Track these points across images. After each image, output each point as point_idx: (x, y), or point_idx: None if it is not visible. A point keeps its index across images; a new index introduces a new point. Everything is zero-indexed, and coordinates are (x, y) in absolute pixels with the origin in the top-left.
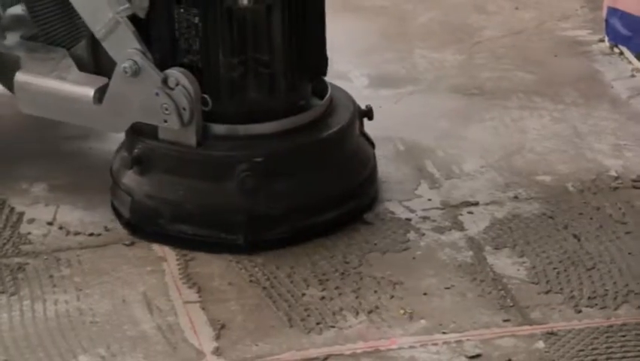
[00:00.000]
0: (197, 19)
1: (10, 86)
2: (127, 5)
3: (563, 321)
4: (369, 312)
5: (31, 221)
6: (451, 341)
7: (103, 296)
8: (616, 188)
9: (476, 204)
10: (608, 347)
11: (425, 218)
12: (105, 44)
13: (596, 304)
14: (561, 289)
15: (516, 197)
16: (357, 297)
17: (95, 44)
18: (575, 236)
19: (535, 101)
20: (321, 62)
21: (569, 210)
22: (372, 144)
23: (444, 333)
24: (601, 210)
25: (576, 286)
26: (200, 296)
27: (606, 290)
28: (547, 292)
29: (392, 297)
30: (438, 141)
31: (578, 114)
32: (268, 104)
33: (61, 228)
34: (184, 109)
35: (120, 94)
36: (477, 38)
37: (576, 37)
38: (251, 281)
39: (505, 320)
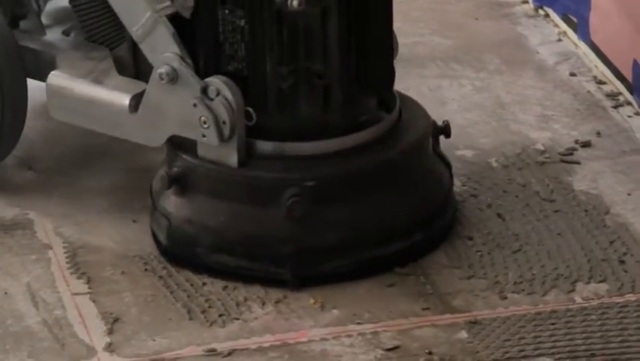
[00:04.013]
0: (243, 22)
1: None
2: (168, 3)
3: (487, 309)
4: (277, 302)
5: None
6: (366, 333)
7: None
8: (543, 163)
9: None
10: (535, 336)
11: None
12: (142, 46)
13: (523, 290)
14: (485, 274)
15: None
16: (263, 286)
17: (135, 45)
18: (499, 216)
19: (455, 68)
20: (385, 74)
21: (493, 187)
22: (449, 165)
23: (358, 324)
24: (527, 187)
25: (501, 270)
26: (90, 287)
27: (533, 274)
28: (469, 278)
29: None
30: None
31: (501, 83)
32: (322, 120)
33: None
34: (224, 123)
35: (156, 103)
36: None
37: None
38: (146, 270)
39: (424, 309)
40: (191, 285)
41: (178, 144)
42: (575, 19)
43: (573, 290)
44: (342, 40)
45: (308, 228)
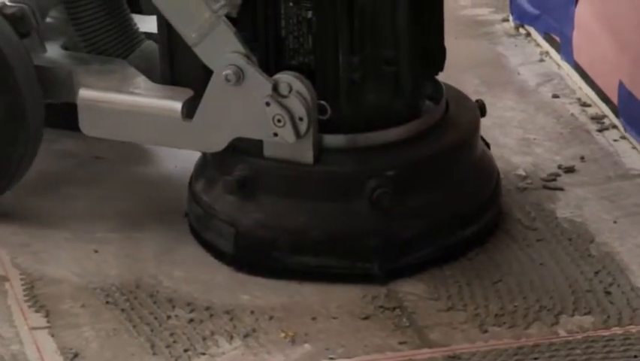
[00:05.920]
0: (310, 14)
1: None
2: (223, 2)
3: (467, 342)
4: (245, 336)
5: None
6: None
7: None
8: (525, 189)
9: None
10: None
11: None
12: (198, 50)
13: (504, 323)
14: (464, 305)
15: None
16: (231, 319)
17: (171, 51)
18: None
19: None
20: (442, 53)
21: None
22: (488, 145)
23: (331, 359)
24: (508, 214)
25: (481, 302)
26: (48, 321)
27: (515, 306)
28: (448, 310)
29: (271, 318)
30: None
31: None
32: (392, 108)
33: None
34: (300, 119)
35: (218, 106)
36: None
37: (477, 16)
38: (107, 303)
39: (401, 343)
40: (155, 318)
41: (234, 146)
42: (557, 39)
43: (557, 323)
44: (410, 24)
45: (393, 218)
